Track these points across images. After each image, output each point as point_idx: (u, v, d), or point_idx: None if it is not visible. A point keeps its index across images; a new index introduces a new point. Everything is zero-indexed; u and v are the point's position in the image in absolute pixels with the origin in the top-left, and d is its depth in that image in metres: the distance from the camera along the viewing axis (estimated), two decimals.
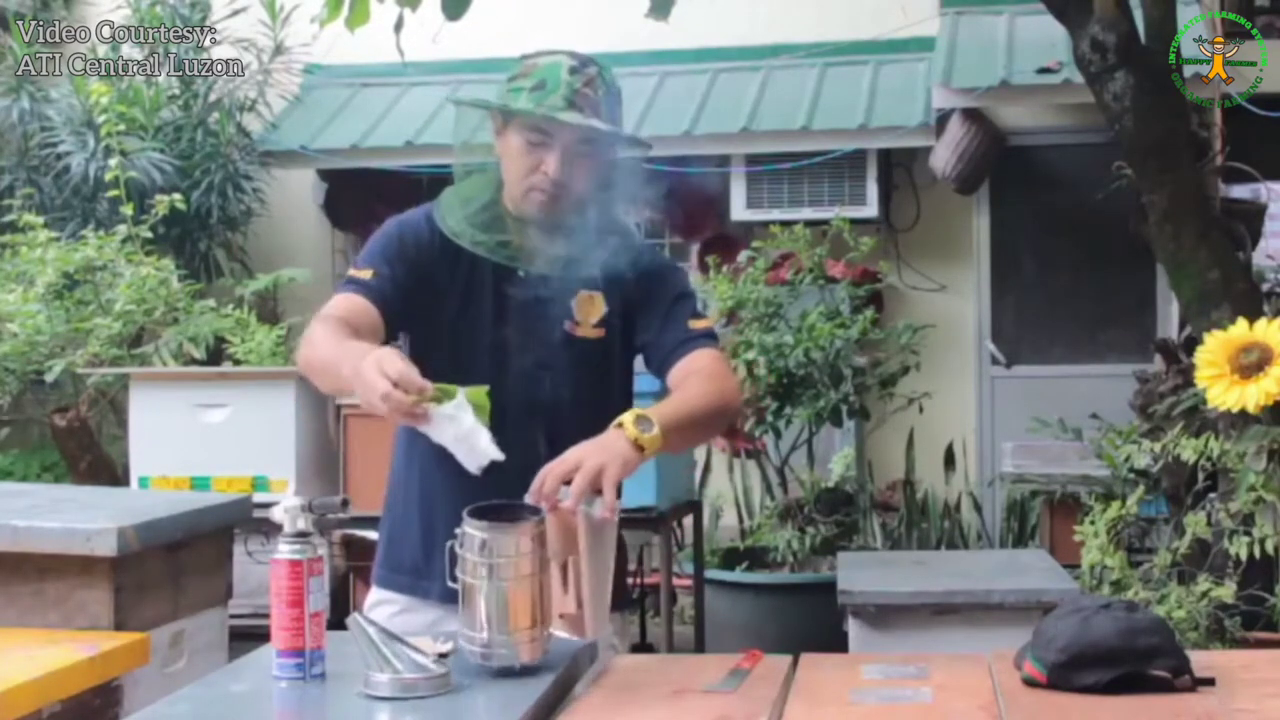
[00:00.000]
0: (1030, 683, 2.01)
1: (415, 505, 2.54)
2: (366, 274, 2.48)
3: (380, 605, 2.57)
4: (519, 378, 2.48)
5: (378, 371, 2.10)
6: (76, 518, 2.84)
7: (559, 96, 2.42)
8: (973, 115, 7.22)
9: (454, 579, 2.10)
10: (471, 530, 2.07)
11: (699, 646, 5.55)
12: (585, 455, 2.18)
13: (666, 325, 2.56)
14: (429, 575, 2.50)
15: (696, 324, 2.57)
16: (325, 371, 2.35)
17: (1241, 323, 3.70)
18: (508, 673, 2.05)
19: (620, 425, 2.24)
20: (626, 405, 2.59)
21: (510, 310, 2.50)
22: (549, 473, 2.17)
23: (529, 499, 2.15)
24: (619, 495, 2.18)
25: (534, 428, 2.43)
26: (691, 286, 2.72)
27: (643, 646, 5.79)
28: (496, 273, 2.50)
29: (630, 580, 5.39)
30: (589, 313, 2.55)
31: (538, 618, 2.07)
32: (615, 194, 2.59)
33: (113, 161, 6.68)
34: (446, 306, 2.50)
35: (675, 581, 5.49)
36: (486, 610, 2.05)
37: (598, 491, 2.15)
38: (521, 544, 2.06)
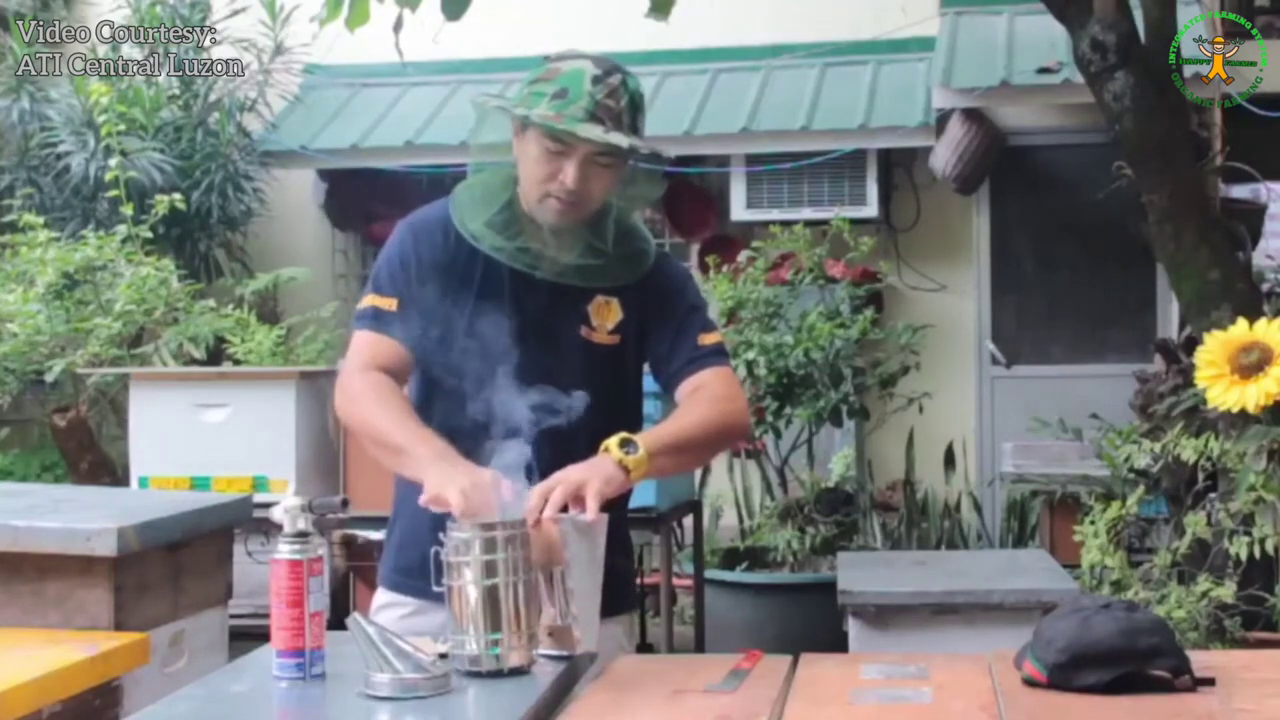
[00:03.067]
0: (1030, 683, 2.01)
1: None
2: (387, 305, 2.47)
3: (389, 608, 2.57)
4: (533, 381, 2.46)
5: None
6: (76, 518, 2.84)
7: (580, 107, 2.38)
8: (973, 115, 7.22)
9: (439, 584, 2.10)
10: (455, 533, 2.07)
11: (699, 646, 5.55)
12: (569, 473, 2.21)
13: (677, 340, 2.55)
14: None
15: (707, 339, 2.56)
16: (392, 453, 2.40)
17: (1241, 323, 3.69)
18: (496, 675, 2.05)
19: (606, 449, 2.28)
20: (639, 410, 2.63)
21: (526, 313, 2.48)
22: (534, 490, 2.19)
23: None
24: (623, 506, 2.20)
25: (547, 433, 2.39)
26: (702, 296, 2.71)
27: (643, 646, 5.78)
28: (513, 274, 2.49)
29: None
30: (605, 318, 2.54)
31: (524, 622, 2.07)
32: (633, 201, 2.58)
33: (113, 161, 6.68)
34: (462, 307, 2.48)
35: (675, 581, 5.48)
36: (471, 614, 2.05)
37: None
38: (504, 546, 2.07)
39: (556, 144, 2.41)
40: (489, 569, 2.06)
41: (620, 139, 2.40)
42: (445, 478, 2.20)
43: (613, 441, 2.28)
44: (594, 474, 2.21)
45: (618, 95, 2.42)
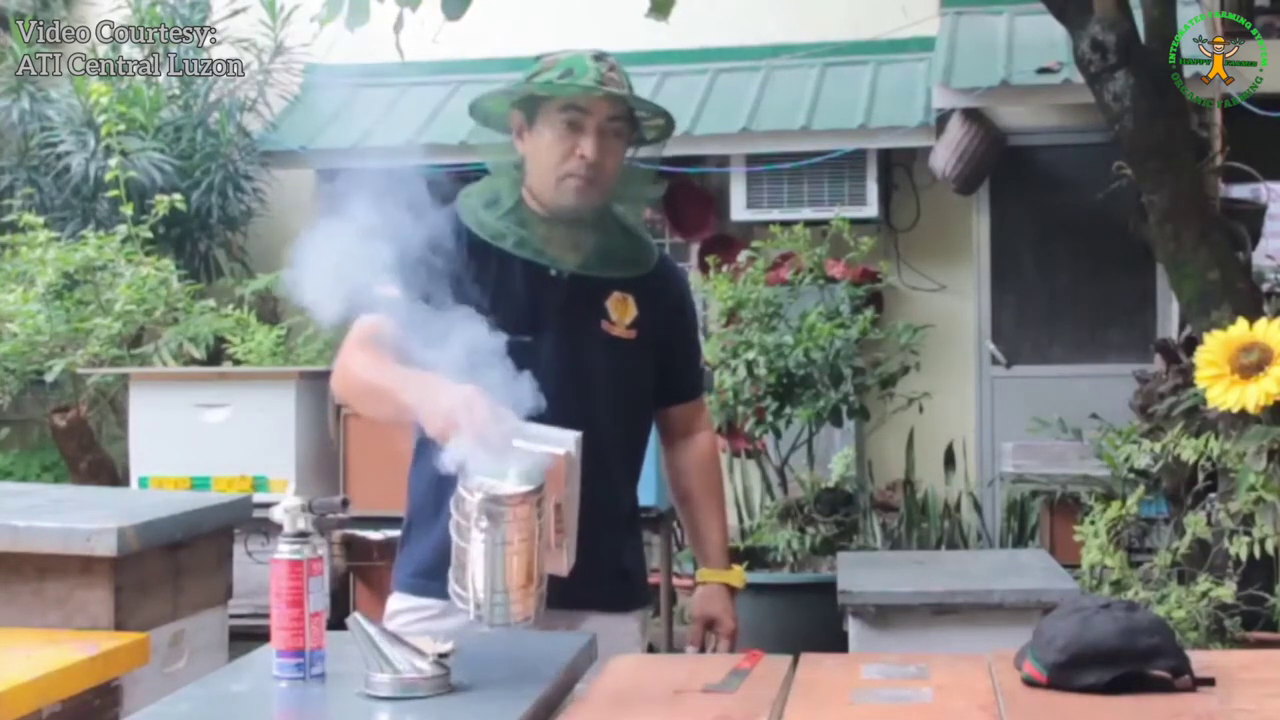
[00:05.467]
0: (1030, 683, 2.01)
1: (447, 505, 2.51)
2: (390, 290, 2.48)
3: (407, 612, 2.57)
4: (555, 374, 2.46)
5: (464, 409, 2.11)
6: (76, 518, 2.84)
7: (589, 79, 2.48)
8: (973, 115, 7.22)
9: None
10: (465, 495, 2.04)
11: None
12: (726, 626, 2.81)
13: (686, 363, 2.74)
14: None
15: (700, 361, 2.79)
16: (378, 397, 2.39)
17: (1241, 323, 3.69)
18: (503, 629, 2.06)
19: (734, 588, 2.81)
20: (650, 405, 2.72)
21: (547, 311, 2.51)
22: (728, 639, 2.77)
23: None
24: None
25: (568, 424, 2.40)
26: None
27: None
28: (530, 274, 2.52)
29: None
30: (623, 313, 2.60)
31: (530, 578, 2.06)
32: (638, 190, 2.65)
33: (113, 161, 6.68)
34: (479, 308, 2.48)
35: (675, 581, 5.49)
36: (478, 573, 2.04)
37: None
38: (518, 512, 2.03)
39: (574, 113, 2.49)
40: (498, 536, 2.03)
41: (637, 96, 2.53)
42: (434, 411, 2.16)
43: (739, 578, 2.79)
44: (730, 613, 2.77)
45: (618, 71, 2.53)
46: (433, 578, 2.54)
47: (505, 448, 2.07)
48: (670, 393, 2.72)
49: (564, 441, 2.15)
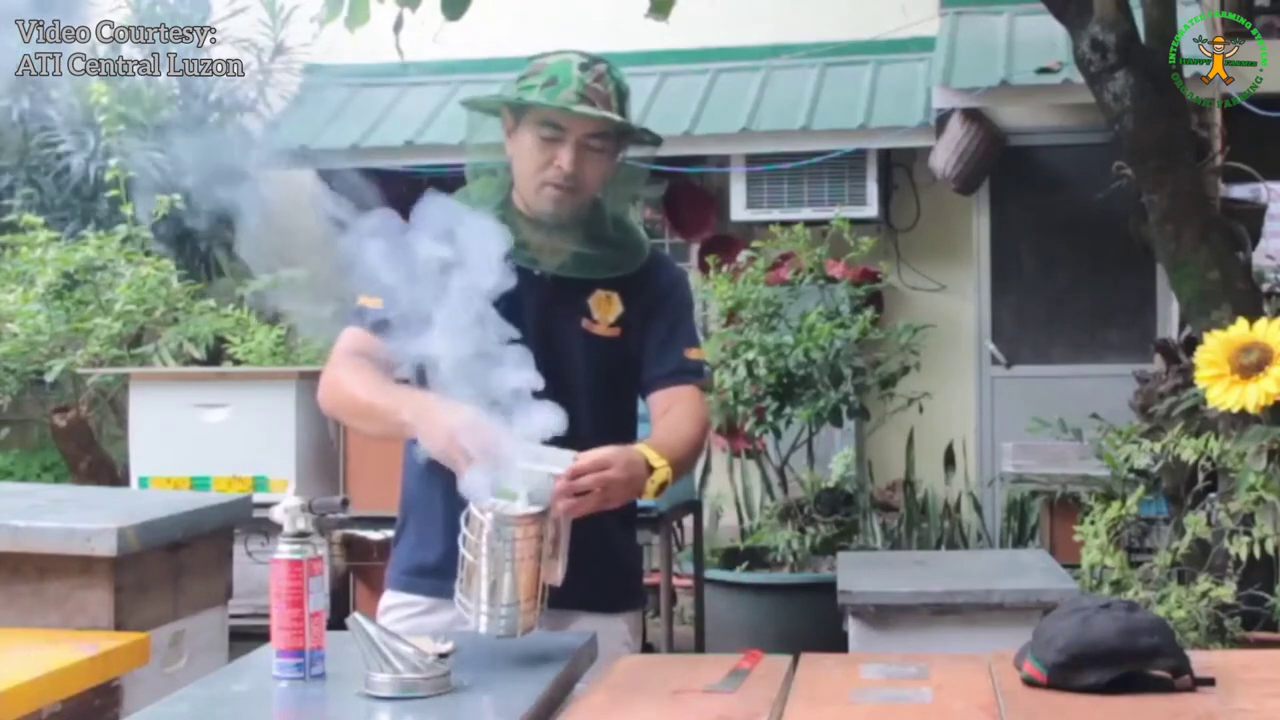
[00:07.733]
0: (1030, 683, 2.01)
1: (439, 504, 2.52)
2: (373, 303, 2.47)
3: (398, 608, 2.58)
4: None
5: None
6: (76, 518, 2.84)
7: (571, 91, 2.46)
8: (973, 115, 7.22)
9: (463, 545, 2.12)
10: (478, 514, 2.09)
11: (699, 646, 5.55)
12: (614, 479, 2.23)
13: (666, 347, 2.61)
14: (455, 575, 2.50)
15: (693, 354, 2.63)
16: (372, 416, 2.42)
17: (1241, 323, 3.69)
18: (508, 639, 2.10)
19: (652, 470, 2.33)
20: (635, 403, 2.67)
21: (527, 309, 2.51)
22: (593, 473, 2.20)
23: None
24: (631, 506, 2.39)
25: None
26: (692, 297, 2.77)
27: (643, 646, 5.78)
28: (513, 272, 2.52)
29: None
30: (606, 312, 2.58)
31: (535, 590, 2.12)
32: (626, 191, 2.63)
33: (113, 161, 6.68)
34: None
35: (675, 581, 5.49)
36: (489, 586, 2.09)
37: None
38: (528, 531, 2.10)
39: (551, 130, 2.48)
40: (507, 554, 2.08)
41: (611, 115, 2.48)
42: (435, 433, 2.22)
43: (663, 470, 2.36)
44: (626, 493, 2.28)
45: (605, 81, 2.50)
46: (421, 575, 2.57)
47: (509, 468, 2.13)
48: (649, 379, 2.62)
49: (562, 461, 2.19)
